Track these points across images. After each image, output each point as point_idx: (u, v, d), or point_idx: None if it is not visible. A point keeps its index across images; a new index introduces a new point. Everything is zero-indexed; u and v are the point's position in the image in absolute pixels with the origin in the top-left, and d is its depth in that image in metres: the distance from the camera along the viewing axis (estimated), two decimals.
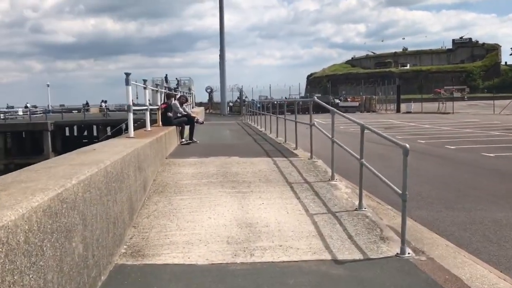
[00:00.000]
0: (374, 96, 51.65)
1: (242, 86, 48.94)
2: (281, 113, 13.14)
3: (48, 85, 72.04)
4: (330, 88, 66.99)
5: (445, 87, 71.71)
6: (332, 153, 6.60)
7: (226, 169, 7.47)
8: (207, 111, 43.13)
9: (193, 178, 6.87)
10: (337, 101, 47.41)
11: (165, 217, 4.93)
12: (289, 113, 12.33)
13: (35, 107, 57.65)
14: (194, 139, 12.15)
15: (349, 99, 51.16)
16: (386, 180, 4.25)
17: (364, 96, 51.66)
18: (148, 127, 8.82)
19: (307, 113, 20.78)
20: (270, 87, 51.38)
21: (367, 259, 3.81)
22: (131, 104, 6.74)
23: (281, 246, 4.06)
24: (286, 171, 7.33)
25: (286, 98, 45.06)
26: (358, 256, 3.86)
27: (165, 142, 8.86)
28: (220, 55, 41.61)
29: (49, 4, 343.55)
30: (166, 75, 41.07)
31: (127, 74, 6.51)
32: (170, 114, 11.38)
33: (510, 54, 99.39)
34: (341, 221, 4.74)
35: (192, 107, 30.25)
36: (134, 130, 7.09)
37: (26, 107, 53.92)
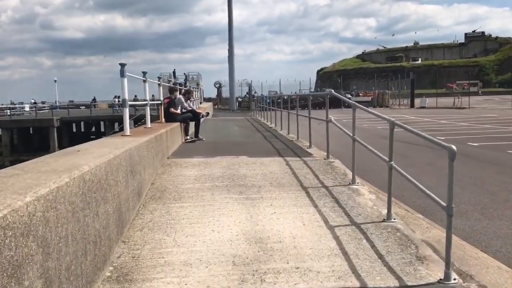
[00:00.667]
0: (387, 91, 50.55)
1: (251, 81, 48.27)
2: (293, 108, 12.39)
3: (55, 81, 70.85)
4: (341, 83, 65.98)
5: (457, 82, 70.53)
6: (353, 154, 5.82)
7: (233, 171, 6.75)
8: (216, 106, 42.55)
9: (196, 181, 6.15)
10: (348, 96, 46.39)
11: (161, 229, 4.23)
12: (300, 109, 11.56)
13: (44, 103, 57.26)
14: (200, 136, 11.45)
15: (361, 94, 50.17)
16: (426, 190, 3.52)
17: (376, 91, 50.60)
18: (149, 124, 8.13)
19: (317, 108, 19.90)
20: (280, 82, 50.69)
21: (404, 286, 3.08)
22: (126, 98, 6.06)
23: (297, 268, 3.35)
24: (300, 173, 6.58)
25: (296, 93, 44.33)
26: (392, 282, 3.13)
27: (167, 140, 8.15)
28: (228, 50, 40.93)
29: (59, 0, 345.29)
30: (174, 70, 40.55)
31: (122, 65, 5.83)
32: (173, 109, 10.68)
33: None
34: (367, 236, 4.00)
35: (200, 103, 29.65)
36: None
37: (34, 102, 53.59)
